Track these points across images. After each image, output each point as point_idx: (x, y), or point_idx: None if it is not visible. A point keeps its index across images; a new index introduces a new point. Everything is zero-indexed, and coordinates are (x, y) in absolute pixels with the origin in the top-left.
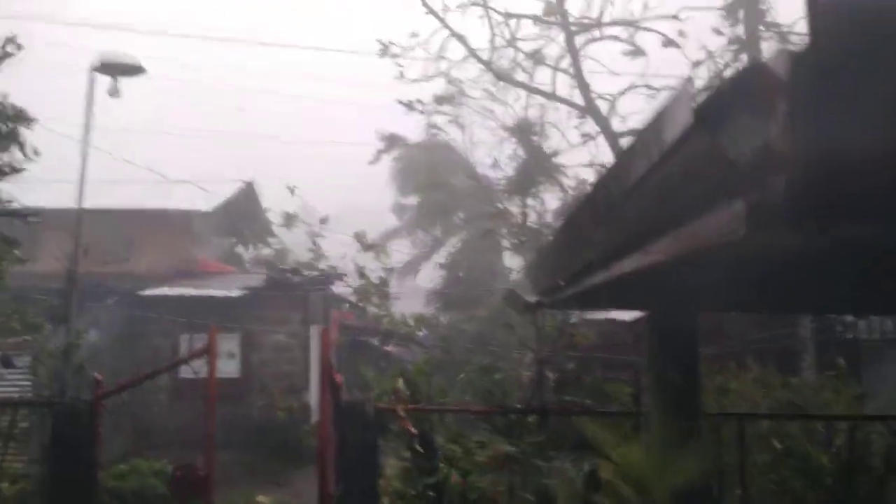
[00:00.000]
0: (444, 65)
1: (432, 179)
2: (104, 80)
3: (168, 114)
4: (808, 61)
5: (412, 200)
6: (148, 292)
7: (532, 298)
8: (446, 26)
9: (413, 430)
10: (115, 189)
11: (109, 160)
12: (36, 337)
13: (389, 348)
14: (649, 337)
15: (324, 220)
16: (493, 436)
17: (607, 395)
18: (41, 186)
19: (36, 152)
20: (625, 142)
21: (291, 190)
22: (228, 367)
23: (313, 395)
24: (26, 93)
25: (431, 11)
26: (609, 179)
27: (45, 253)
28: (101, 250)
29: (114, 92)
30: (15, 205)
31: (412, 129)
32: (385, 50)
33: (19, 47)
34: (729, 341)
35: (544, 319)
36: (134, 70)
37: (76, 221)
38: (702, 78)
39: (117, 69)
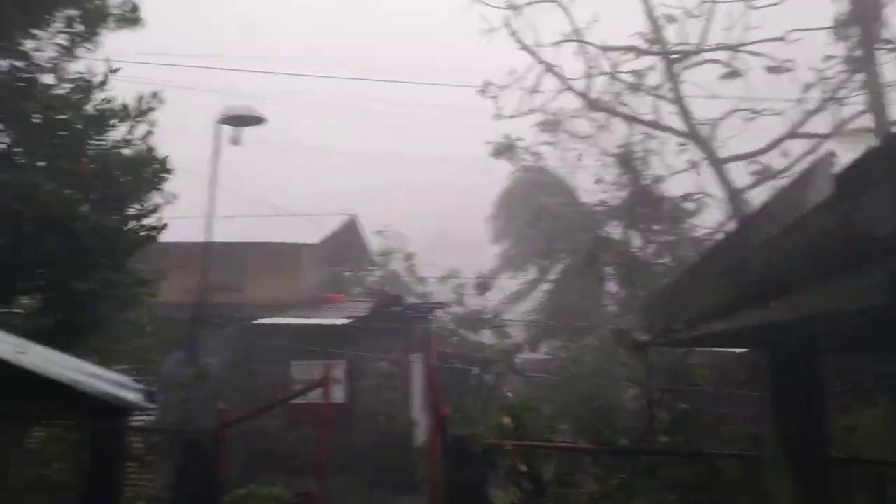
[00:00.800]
0: (539, 99)
1: (535, 208)
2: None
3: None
4: None
5: (514, 231)
6: (260, 321)
7: (643, 337)
8: (541, 61)
9: (522, 466)
10: (227, 223)
11: (225, 196)
12: (160, 364)
13: (489, 377)
14: (770, 375)
15: (409, 257)
16: (601, 472)
17: (721, 436)
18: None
19: (175, 196)
20: (728, 168)
21: (380, 232)
22: (335, 394)
23: (417, 422)
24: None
25: (525, 48)
26: (737, 236)
27: (169, 284)
28: (217, 281)
29: (236, 141)
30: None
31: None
32: (485, 89)
33: (160, 101)
34: (851, 375)
35: (654, 357)
36: (254, 121)
37: (203, 257)
38: (812, 99)
39: (240, 120)
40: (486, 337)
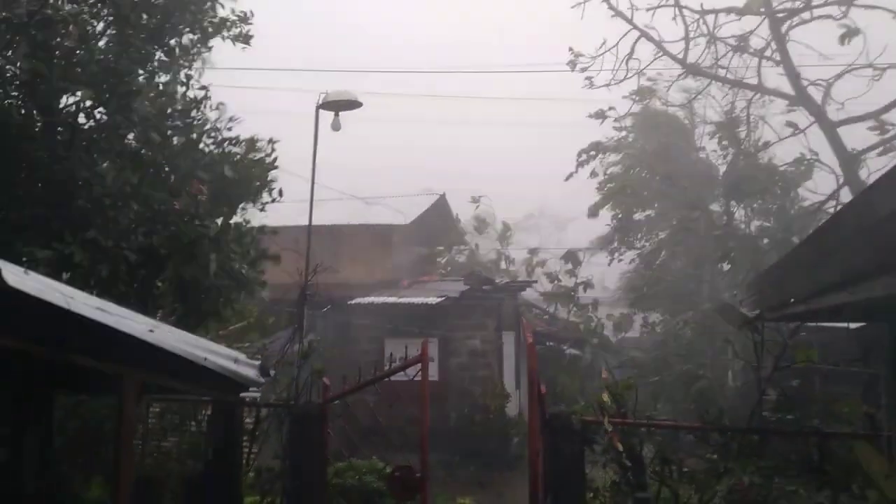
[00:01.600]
0: (634, 67)
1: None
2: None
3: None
4: None
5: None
6: (356, 301)
7: (752, 312)
8: (635, 27)
9: (620, 444)
10: (324, 207)
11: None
12: (270, 343)
13: (585, 355)
14: (891, 351)
15: (508, 230)
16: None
17: (835, 415)
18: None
19: (281, 193)
20: (843, 131)
21: (476, 199)
22: (430, 371)
23: (511, 400)
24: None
25: (618, 13)
26: (859, 205)
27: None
28: (316, 263)
29: (336, 126)
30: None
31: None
32: (574, 61)
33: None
34: None
35: (762, 336)
36: (353, 105)
37: (307, 241)
38: None
39: (339, 105)
40: (580, 315)
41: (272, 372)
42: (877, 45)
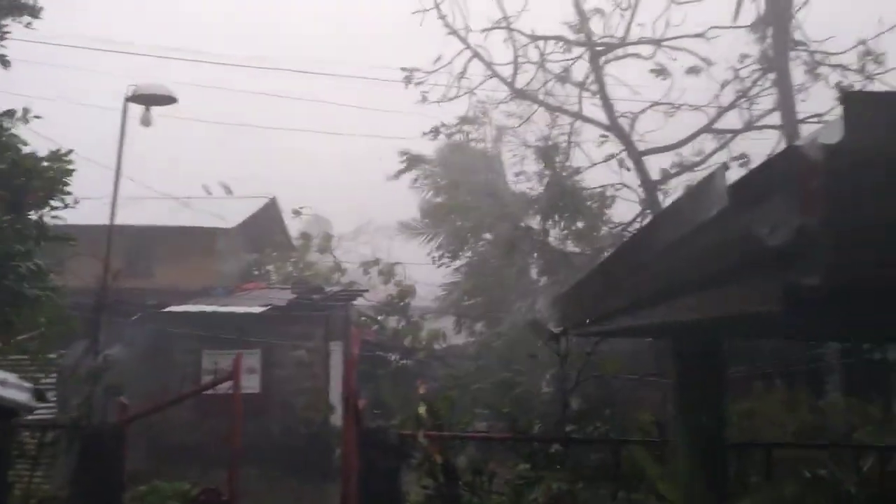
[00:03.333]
0: (466, 86)
1: (455, 198)
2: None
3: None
4: (843, 151)
5: (430, 218)
6: (171, 309)
7: (556, 328)
8: (469, 47)
9: (438, 457)
10: (139, 206)
11: (134, 178)
12: (62, 357)
13: (410, 363)
14: (673, 364)
15: (329, 240)
16: (523, 466)
17: (631, 423)
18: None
19: (76, 201)
20: (647, 161)
21: (298, 212)
22: (250, 383)
23: (335, 412)
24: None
25: (454, 32)
26: (641, 239)
27: (73, 268)
28: (126, 267)
29: (146, 121)
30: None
31: (430, 149)
32: (409, 77)
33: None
34: (755, 361)
35: (568, 346)
36: (166, 100)
37: (107, 242)
38: (727, 95)
39: (150, 100)
40: (406, 325)
41: (49, 395)
42: (683, 84)
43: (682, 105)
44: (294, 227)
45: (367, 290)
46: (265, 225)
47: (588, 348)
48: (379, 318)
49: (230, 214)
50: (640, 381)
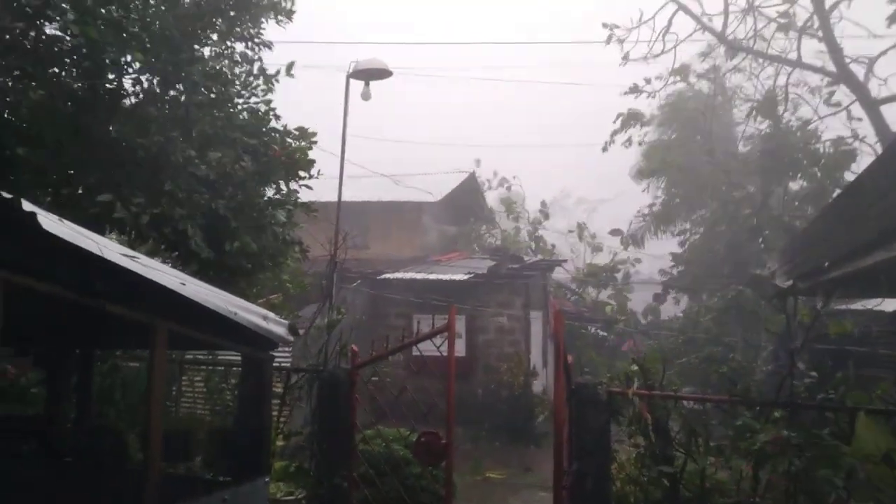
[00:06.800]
0: (671, 41)
1: (674, 159)
2: (357, 85)
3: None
4: None
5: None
6: (386, 276)
7: (784, 283)
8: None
9: (648, 416)
10: (354, 183)
11: (351, 156)
12: (298, 314)
13: (610, 335)
14: None
15: (545, 207)
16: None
17: (864, 394)
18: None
19: (320, 173)
20: (887, 109)
21: (507, 184)
22: (456, 347)
23: (537, 377)
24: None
25: None
26: (891, 156)
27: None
28: (347, 238)
29: (367, 95)
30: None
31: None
32: (610, 35)
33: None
34: None
35: (796, 307)
36: (383, 74)
37: (336, 214)
38: None
39: (369, 74)
40: (609, 295)
41: (301, 331)
42: None
43: None
44: (490, 198)
45: (565, 261)
46: (465, 197)
47: (819, 304)
48: (577, 289)
49: (434, 187)
50: (876, 354)
